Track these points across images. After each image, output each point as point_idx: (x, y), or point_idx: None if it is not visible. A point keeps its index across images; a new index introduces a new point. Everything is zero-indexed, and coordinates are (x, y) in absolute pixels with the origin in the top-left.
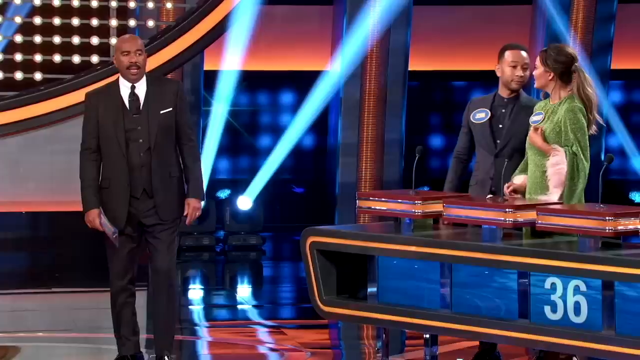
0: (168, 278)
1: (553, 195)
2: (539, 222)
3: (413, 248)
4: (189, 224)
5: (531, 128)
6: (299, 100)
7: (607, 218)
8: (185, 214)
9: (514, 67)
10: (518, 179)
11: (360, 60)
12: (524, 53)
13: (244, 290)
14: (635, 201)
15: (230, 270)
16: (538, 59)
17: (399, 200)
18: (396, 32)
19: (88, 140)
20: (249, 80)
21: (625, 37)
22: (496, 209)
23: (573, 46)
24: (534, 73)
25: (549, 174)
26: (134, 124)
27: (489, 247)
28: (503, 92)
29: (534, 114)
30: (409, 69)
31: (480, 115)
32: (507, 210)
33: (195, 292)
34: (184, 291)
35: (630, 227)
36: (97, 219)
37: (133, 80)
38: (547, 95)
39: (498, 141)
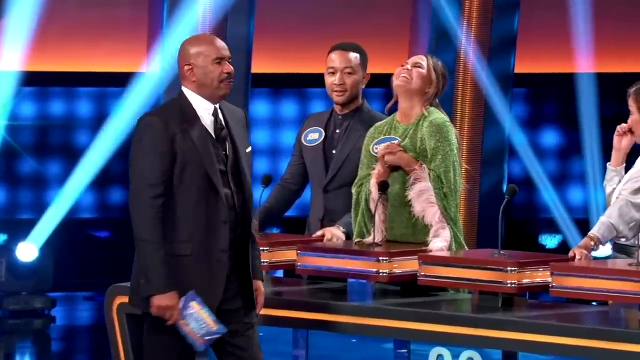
0: None
1: (443, 232)
2: (422, 274)
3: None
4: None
5: (380, 151)
6: (103, 111)
7: (509, 269)
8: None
9: (332, 73)
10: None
11: None
12: (350, 55)
13: None
14: (546, 246)
15: (6, 345)
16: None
17: None
18: (235, 21)
19: (156, 181)
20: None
21: (531, 33)
22: (366, 257)
23: (466, 43)
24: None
25: (418, 210)
26: (224, 164)
27: (357, 308)
28: (337, 106)
29: (375, 140)
30: (253, 71)
31: (313, 136)
32: (380, 259)
33: None
34: None
35: (538, 280)
36: (176, 308)
37: (219, 100)
38: (391, 111)
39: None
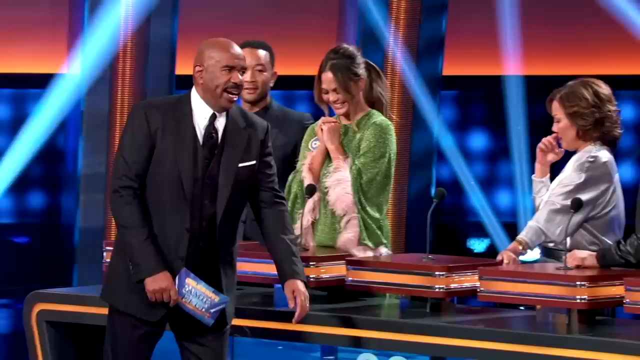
0: None
1: (351, 224)
2: (349, 279)
3: None
4: (297, 321)
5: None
6: (22, 113)
7: (437, 273)
8: (292, 305)
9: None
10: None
11: (109, 60)
12: (259, 52)
13: None
14: (475, 250)
15: None
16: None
17: None
18: (158, 22)
19: (132, 172)
20: None
21: (459, 35)
22: None
23: (394, 45)
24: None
25: (332, 199)
26: (202, 173)
27: (283, 314)
28: (246, 105)
29: (315, 137)
30: (177, 72)
31: None
32: (309, 264)
33: None
34: None
35: (467, 284)
36: (172, 287)
37: (221, 109)
38: (332, 112)
39: None
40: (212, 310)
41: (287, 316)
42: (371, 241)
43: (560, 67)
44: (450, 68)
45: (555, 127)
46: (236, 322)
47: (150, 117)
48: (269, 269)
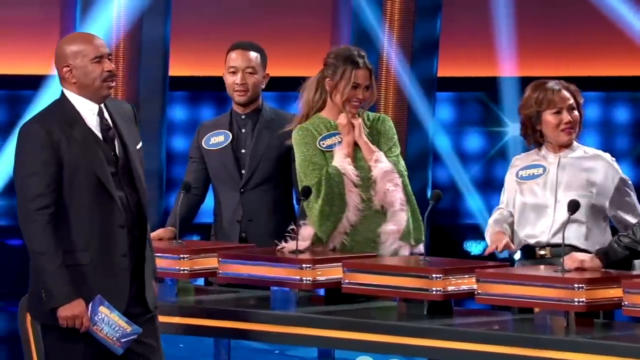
0: None
1: (399, 216)
2: (346, 282)
3: (176, 319)
4: None
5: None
6: (12, 115)
7: (434, 276)
8: None
9: (234, 72)
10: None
11: None
12: (250, 54)
13: None
14: (472, 253)
15: None
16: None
17: (159, 255)
18: (151, 23)
19: (42, 192)
20: None
21: (454, 36)
22: (289, 264)
23: (388, 46)
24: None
25: (381, 191)
26: (114, 166)
27: (280, 317)
28: (237, 107)
29: (322, 135)
30: (170, 74)
31: (218, 139)
32: (304, 266)
33: None
34: None
35: (464, 287)
36: (85, 314)
37: (103, 99)
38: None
39: (243, 171)
40: (122, 340)
41: (285, 319)
42: (414, 236)
43: (556, 68)
44: (445, 69)
45: (572, 116)
46: (234, 324)
47: (50, 130)
48: (265, 271)
